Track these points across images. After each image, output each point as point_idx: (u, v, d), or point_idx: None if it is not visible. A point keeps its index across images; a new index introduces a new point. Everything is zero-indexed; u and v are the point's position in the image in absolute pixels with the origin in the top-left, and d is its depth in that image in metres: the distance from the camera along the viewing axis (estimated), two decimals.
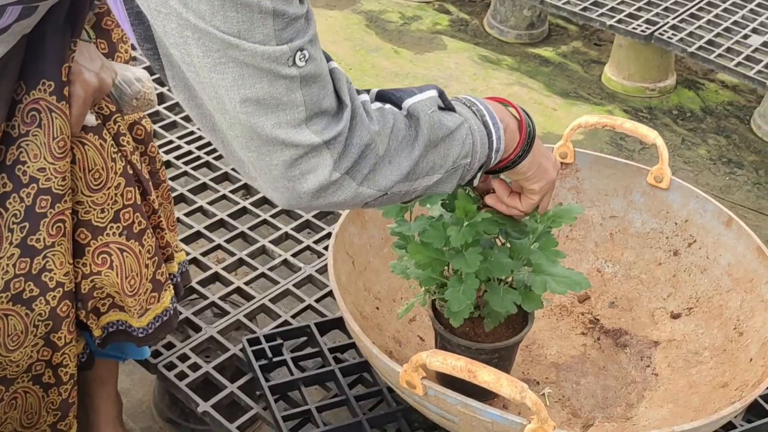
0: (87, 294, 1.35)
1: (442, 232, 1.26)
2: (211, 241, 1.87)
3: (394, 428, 1.50)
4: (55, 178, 1.22)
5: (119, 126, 1.35)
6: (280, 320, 1.70)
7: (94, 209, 1.31)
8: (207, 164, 2.11)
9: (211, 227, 1.91)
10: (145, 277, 1.37)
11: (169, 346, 1.62)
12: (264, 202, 2.01)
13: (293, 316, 1.71)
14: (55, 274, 1.26)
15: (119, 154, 1.33)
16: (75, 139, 1.28)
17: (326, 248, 1.88)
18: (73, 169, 1.28)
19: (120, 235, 1.34)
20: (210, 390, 1.56)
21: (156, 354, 1.61)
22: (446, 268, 1.33)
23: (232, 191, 2.03)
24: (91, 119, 1.28)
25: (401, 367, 1.25)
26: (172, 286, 1.44)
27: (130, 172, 1.35)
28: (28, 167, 1.21)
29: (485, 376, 1.16)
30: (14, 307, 1.25)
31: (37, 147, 1.21)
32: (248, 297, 1.75)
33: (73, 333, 1.33)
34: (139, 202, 1.36)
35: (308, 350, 1.63)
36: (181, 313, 1.66)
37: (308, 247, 1.89)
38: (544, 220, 1.30)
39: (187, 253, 1.77)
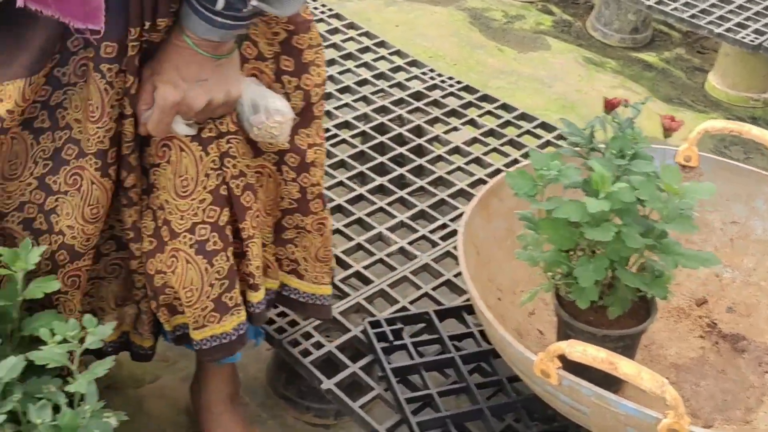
0: (159, 288, 1.40)
1: (578, 206, 1.28)
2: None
3: (511, 418, 1.52)
4: (84, 134, 1.27)
5: (231, 147, 1.35)
6: (398, 306, 1.73)
7: (176, 213, 1.35)
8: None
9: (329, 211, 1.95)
10: (207, 295, 1.39)
11: (293, 323, 1.67)
12: (379, 190, 2.05)
13: (410, 303, 1.74)
14: (60, 219, 1.31)
15: (217, 172, 1.34)
16: (176, 143, 1.31)
17: (441, 238, 1.91)
18: (165, 169, 1.33)
19: (191, 247, 1.36)
20: (329, 369, 1.60)
21: (280, 330, 1.65)
22: (573, 252, 1.35)
23: (349, 178, 2.07)
24: (181, 128, 1.29)
25: (536, 356, 1.28)
26: (244, 314, 1.44)
27: (223, 193, 1.35)
28: (68, 114, 1.27)
29: (626, 368, 1.18)
30: (24, 232, 1.32)
31: (78, 101, 1.26)
32: (367, 281, 1.79)
33: (70, 286, 1.36)
34: (221, 224, 1.36)
35: (425, 336, 1.66)
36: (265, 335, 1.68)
37: (424, 236, 1.92)
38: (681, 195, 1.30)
39: None
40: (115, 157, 1.30)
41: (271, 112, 1.33)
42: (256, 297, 1.45)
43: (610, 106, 1.48)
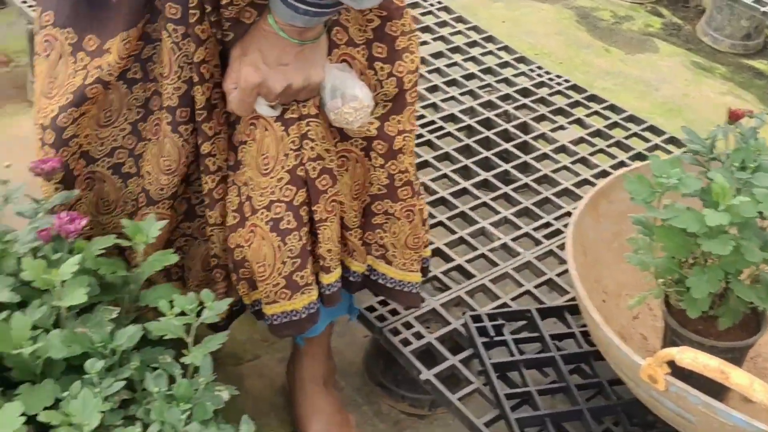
0: (238, 262, 1.43)
1: (696, 216, 1.26)
2: (433, 217, 1.92)
3: (610, 422, 1.51)
4: (167, 89, 1.32)
5: (310, 130, 1.36)
6: (499, 302, 1.73)
7: (257, 190, 1.38)
8: (429, 143, 2.16)
9: (432, 204, 1.96)
10: (278, 271, 1.41)
11: (394, 312, 1.68)
12: (483, 185, 2.05)
13: (512, 300, 1.74)
14: (144, 164, 1.38)
15: (296, 153, 1.36)
16: (261, 122, 1.34)
17: (545, 237, 1.90)
18: (251, 147, 1.36)
19: (266, 223, 1.38)
20: (428, 360, 1.60)
21: (381, 318, 1.67)
22: (686, 261, 1.33)
23: (453, 171, 2.07)
24: (264, 110, 1.32)
25: (644, 360, 1.26)
26: (315, 294, 1.46)
27: (300, 174, 1.37)
28: (155, 67, 1.33)
29: (738, 378, 1.16)
30: (114, 176, 1.40)
31: (165, 54, 1.30)
32: (468, 275, 1.79)
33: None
34: (296, 204, 1.38)
35: (525, 334, 1.65)
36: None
37: (527, 234, 1.91)
38: None
39: None
40: (186, 117, 1.34)
41: (347, 98, 1.34)
42: (328, 279, 1.47)
43: (734, 116, 1.45)
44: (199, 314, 1.22)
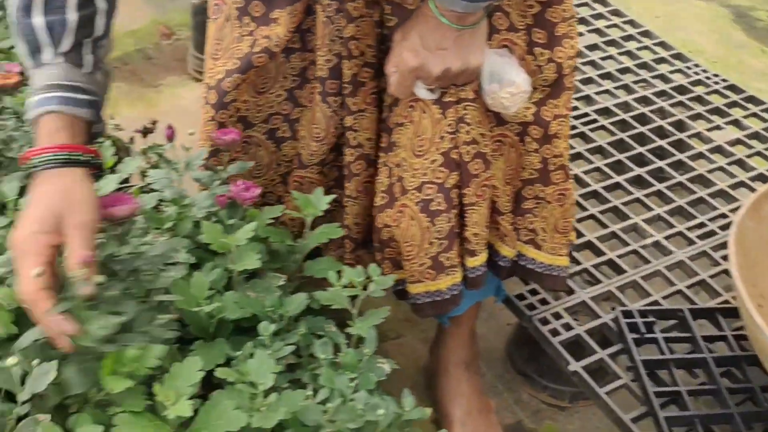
0: (385, 241, 1.46)
1: None
2: (584, 209, 1.91)
3: (761, 428, 1.48)
4: (319, 60, 1.37)
5: (466, 114, 1.37)
6: (649, 299, 1.71)
7: (409, 171, 1.39)
8: (582, 135, 2.15)
9: (584, 196, 1.95)
10: (425, 252, 1.43)
11: (544, 302, 1.69)
12: (636, 181, 2.03)
13: (663, 298, 1.72)
14: (299, 128, 1.45)
15: (451, 136, 1.37)
16: (420, 104, 1.36)
17: (699, 237, 1.87)
18: (407, 128, 1.38)
19: (416, 204, 1.40)
20: (575, 351, 1.60)
21: (531, 307, 1.67)
22: None
23: (606, 164, 2.06)
24: (422, 93, 1.34)
25: None
26: (459, 276, 1.47)
27: (454, 157, 1.38)
28: (313, 38, 1.38)
29: None
30: (268, 141, 1.46)
31: (318, 26, 1.34)
32: (619, 270, 1.78)
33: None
34: (447, 186, 1.39)
35: (676, 333, 1.63)
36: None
37: (680, 233, 1.88)
38: None
39: None
40: (335, 90, 1.38)
41: (504, 83, 1.34)
42: (473, 262, 1.48)
43: None
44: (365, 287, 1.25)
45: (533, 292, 1.70)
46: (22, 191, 1.34)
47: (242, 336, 1.25)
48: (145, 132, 1.53)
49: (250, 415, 1.05)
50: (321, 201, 1.36)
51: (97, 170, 1.15)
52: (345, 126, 1.41)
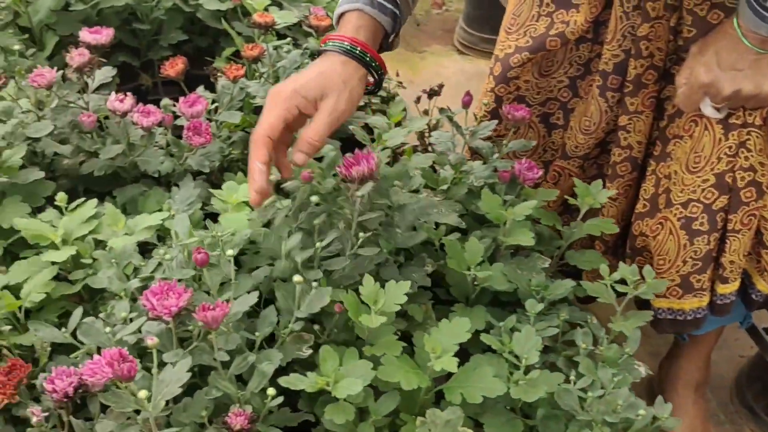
0: (637, 249, 1.46)
1: None
2: None
3: None
4: (605, 54, 1.36)
5: (749, 140, 1.33)
6: None
7: (678, 186, 1.37)
8: None
9: None
10: (677, 269, 1.39)
11: None
12: None
13: None
14: (572, 118, 1.46)
15: (729, 159, 1.33)
16: (703, 120, 1.33)
17: None
18: (685, 143, 1.35)
19: (678, 219, 1.38)
20: None
21: None
22: None
23: None
24: (708, 110, 1.30)
25: None
26: (707, 300, 1.43)
27: (727, 180, 1.34)
28: (604, 31, 1.39)
29: None
30: (540, 125, 1.48)
31: (612, 20, 1.34)
32: None
33: (549, 180, 1.51)
34: (714, 208, 1.36)
35: None
36: None
37: None
38: None
39: None
40: (616, 85, 1.37)
41: None
42: (724, 289, 1.44)
43: None
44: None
45: None
46: None
47: (497, 308, 1.27)
48: (431, 94, 1.56)
49: (508, 386, 1.06)
50: (601, 194, 1.35)
51: (376, 77, 1.20)
52: (618, 125, 1.40)
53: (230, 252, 1.14)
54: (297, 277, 1.08)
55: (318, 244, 1.15)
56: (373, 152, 1.14)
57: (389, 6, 1.19)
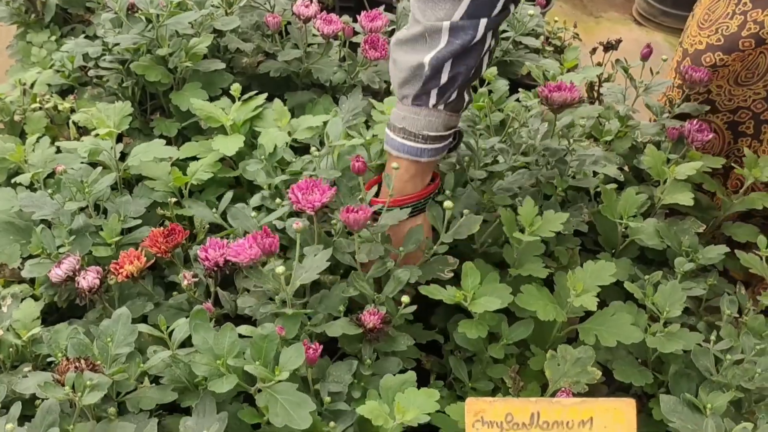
0: None
1: None
2: None
3: None
4: None
5: None
6: None
7: None
8: None
9: None
10: None
11: None
12: None
13: None
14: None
15: None
16: None
17: None
18: None
19: None
20: None
21: None
22: None
23: None
24: None
25: None
26: None
27: None
28: None
29: None
30: (727, 131, 1.43)
31: None
32: None
33: None
34: None
35: None
36: None
37: None
38: None
39: None
40: None
41: None
42: None
43: None
44: None
45: None
46: None
47: (642, 265, 1.25)
48: (607, 47, 1.54)
49: (644, 336, 1.06)
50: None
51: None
52: None
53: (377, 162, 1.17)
54: (448, 203, 1.09)
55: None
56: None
57: (449, 140, 1.14)
